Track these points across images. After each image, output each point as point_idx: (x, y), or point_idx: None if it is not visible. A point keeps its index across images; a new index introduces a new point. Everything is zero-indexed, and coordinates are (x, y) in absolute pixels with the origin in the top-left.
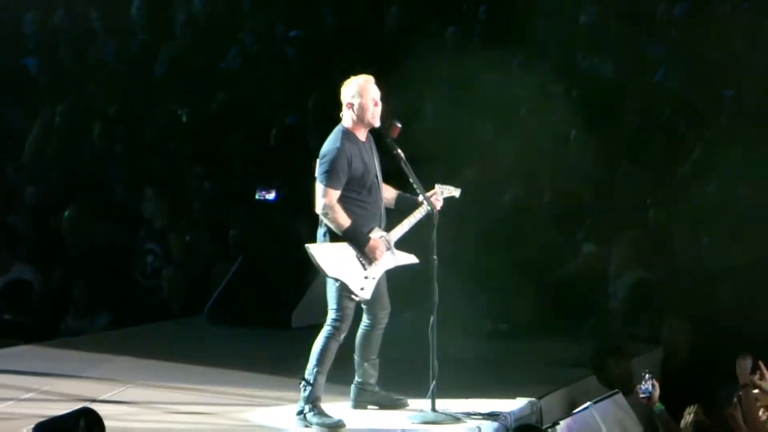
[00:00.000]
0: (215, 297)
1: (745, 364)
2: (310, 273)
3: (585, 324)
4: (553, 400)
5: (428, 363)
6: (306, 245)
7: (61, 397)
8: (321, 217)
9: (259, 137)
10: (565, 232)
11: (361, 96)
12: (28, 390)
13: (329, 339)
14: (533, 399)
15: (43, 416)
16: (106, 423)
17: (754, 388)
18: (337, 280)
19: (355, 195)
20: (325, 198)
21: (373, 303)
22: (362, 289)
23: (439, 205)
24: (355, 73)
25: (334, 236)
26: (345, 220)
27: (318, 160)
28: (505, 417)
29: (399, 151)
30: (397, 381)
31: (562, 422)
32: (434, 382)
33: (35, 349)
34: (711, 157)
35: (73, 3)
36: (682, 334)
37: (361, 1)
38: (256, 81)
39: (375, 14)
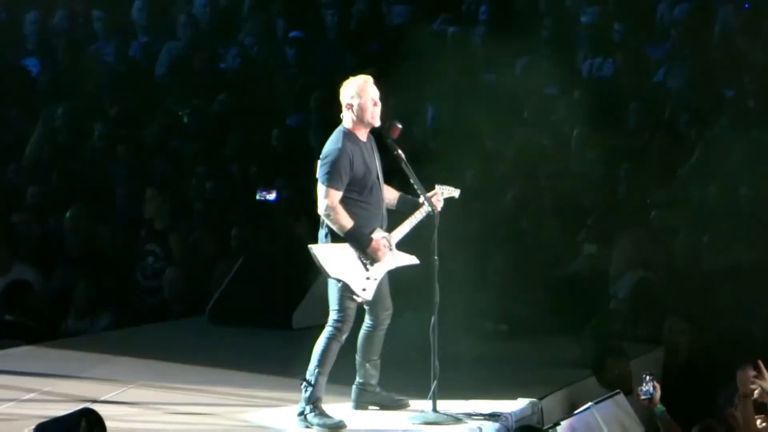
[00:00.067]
0: (216, 297)
1: (744, 374)
2: (311, 273)
3: (586, 324)
4: (554, 401)
5: (429, 363)
6: (309, 246)
7: (62, 397)
8: (323, 218)
9: (260, 138)
10: (566, 232)
11: (360, 96)
12: (29, 391)
13: (331, 340)
14: (534, 399)
15: (44, 417)
16: (107, 423)
17: (755, 395)
18: (339, 280)
19: (356, 196)
20: (327, 199)
21: (375, 304)
22: (364, 289)
23: (439, 205)
24: (355, 74)
25: (335, 237)
26: (347, 221)
27: (319, 161)
28: (506, 417)
29: (400, 151)
30: (399, 381)
31: (563, 423)
32: (435, 382)
33: (36, 349)
34: (712, 157)
35: (74, 4)
36: (683, 335)
37: (362, 1)
38: (257, 81)
39: (375, 14)
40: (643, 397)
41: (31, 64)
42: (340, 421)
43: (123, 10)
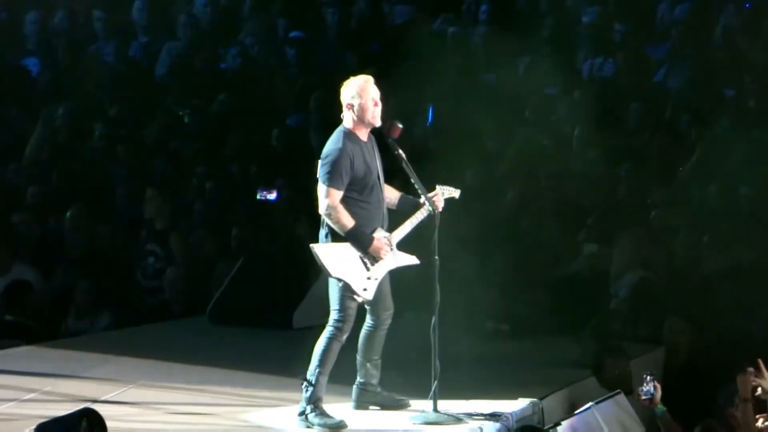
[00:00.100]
0: (217, 297)
1: (744, 379)
2: (312, 273)
3: (586, 324)
4: (554, 401)
5: (430, 363)
6: (311, 245)
7: (62, 397)
8: (324, 217)
9: (261, 138)
10: (566, 232)
11: (360, 97)
12: (29, 391)
13: (331, 340)
14: (535, 399)
15: (44, 417)
16: (108, 423)
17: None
18: (340, 280)
19: (356, 195)
20: (328, 198)
21: (376, 304)
22: (365, 289)
23: (440, 206)
24: (355, 74)
25: (335, 237)
26: (348, 221)
27: (320, 161)
28: (507, 417)
29: (400, 151)
30: (399, 381)
31: (563, 423)
32: (436, 382)
33: (37, 349)
34: (712, 157)
35: (74, 4)
36: (683, 335)
37: (363, 0)
38: (257, 81)
39: (376, 14)
40: (643, 397)
41: (32, 63)
42: (341, 421)
43: (123, 10)
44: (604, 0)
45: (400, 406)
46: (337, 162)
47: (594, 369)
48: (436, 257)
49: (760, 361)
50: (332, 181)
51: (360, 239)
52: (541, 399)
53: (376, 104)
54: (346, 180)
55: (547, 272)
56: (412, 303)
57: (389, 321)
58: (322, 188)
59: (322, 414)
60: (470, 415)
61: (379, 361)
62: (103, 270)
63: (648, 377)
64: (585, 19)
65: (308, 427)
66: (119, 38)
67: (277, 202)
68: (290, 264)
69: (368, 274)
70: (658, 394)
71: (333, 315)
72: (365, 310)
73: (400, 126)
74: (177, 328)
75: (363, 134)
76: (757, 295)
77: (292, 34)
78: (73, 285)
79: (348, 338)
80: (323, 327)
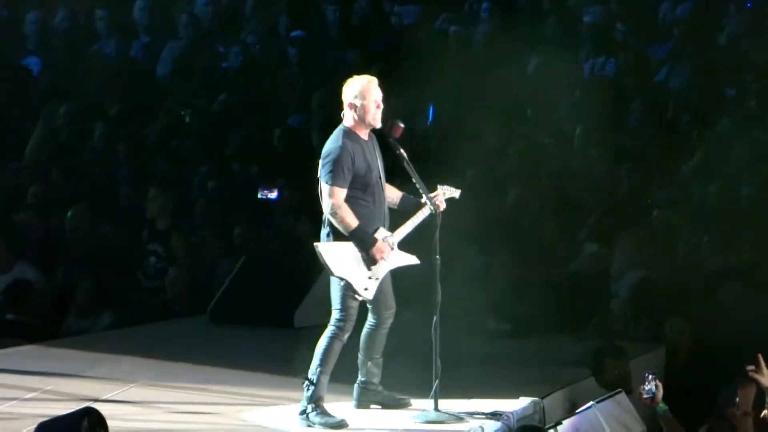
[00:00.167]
0: (218, 296)
1: (746, 392)
2: (313, 272)
3: (588, 323)
4: (555, 400)
5: (431, 363)
6: (315, 244)
7: (64, 396)
8: (327, 217)
9: (263, 137)
10: (567, 231)
11: (363, 98)
12: (31, 390)
13: (333, 339)
14: (536, 398)
15: (46, 416)
16: (110, 423)
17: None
18: (342, 279)
19: (358, 194)
20: (332, 198)
21: (377, 303)
22: (366, 289)
23: (442, 206)
24: (357, 73)
25: (337, 236)
26: (353, 221)
27: (321, 161)
28: (508, 417)
29: (402, 151)
30: (400, 381)
31: (564, 422)
32: (437, 381)
33: (38, 348)
34: (713, 157)
35: (75, 3)
36: (684, 334)
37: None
38: (258, 81)
39: (377, 12)
40: (645, 396)
41: (33, 63)
42: (342, 420)
43: (125, 9)
44: None
45: (401, 405)
46: (339, 160)
47: (593, 370)
48: (438, 257)
49: (759, 356)
50: (335, 179)
51: (363, 239)
52: (542, 398)
53: (378, 106)
54: (348, 178)
55: (548, 272)
56: (414, 302)
57: (391, 320)
58: (325, 188)
59: (324, 413)
60: (471, 414)
61: (381, 360)
62: (105, 269)
63: (649, 376)
64: (587, 18)
65: (309, 426)
66: (121, 37)
67: (279, 201)
68: (292, 263)
69: (369, 273)
70: (660, 393)
71: (334, 314)
72: (367, 309)
73: (402, 125)
74: (178, 327)
75: (363, 133)
76: (758, 294)
77: (294, 33)
78: (74, 284)
79: (349, 337)
80: (325, 326)
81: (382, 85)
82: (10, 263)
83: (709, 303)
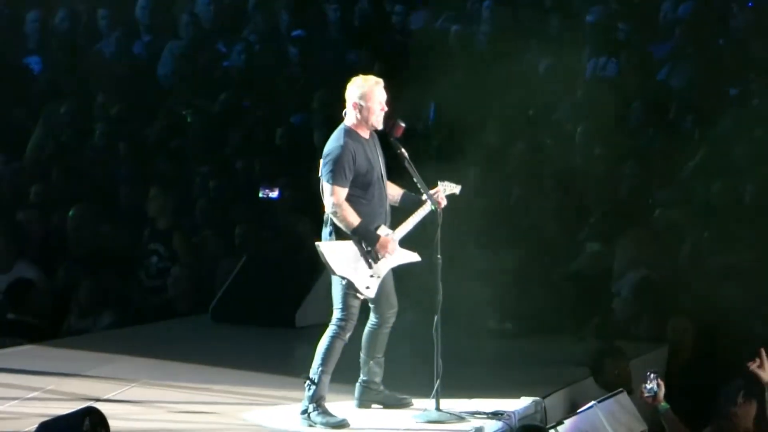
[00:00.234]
0: (219, 296)
1: (748, 410)
2: (315, 271)
3: (589, 323)
4: (557, 400)
5: (432, 362)
6: (317, 243)
7: (65, 396)
8: (329, 215)
9: (263, 136)
10: (569, 230)
11: (368, 99)
12: (32, 389)
13: (334, 338)
14: (537, 398)
15: (47, 415)
16: (111, 422)
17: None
18: (343, 278)
19: (359, 193)
20: (333, 196)
21: (379, 301)
22: (368, 287)
23: (443, 202)
24: (358, 72)
25: (339, 235)
26: (354, 218)
27: (322, 160)
28: (509, 416)
29: (403, 150)
30: (402, 380)
31: (566, 421)
32: (438, 381)
33: (39, 348)
34: (715, 156)
35: (75, 2)
36: (686, 333)
37: None
38: (260, 80)
39: (378, 11)
40: (647, 394)
41: (33, 62)
42: (343, 420)
43: (126, 8)
44: None
45: (402, 405)
46: (339, 159)
47: (593, 370)
48: (439, 256)
49: (762, 350)
50: (336, 178)
51: (366, 236)
52: (543, 398)
53: (382, 109)
54: (349, 176)
55: (551, 271)
56: (415, 302)
57: (393, 319)
58: (326, 187)
59: (325, 413)
60: (472, 414)
61: (383, 360)
62: (106, 269)
63: (651, 375)
64: (589, 18)
65: (311, 425)
66: (122, 37)
67: (280, 200)
68: (293, 262)
69: (371, 271)
70: (662, 392)
71: (336, 314)
72: (369, 308)
73: (403, 125)
74: (179, 326)
75: (365, 132)
76: (760, 293)
77: (295, 32)
78: (75, 284)
79: (350, 337)
80: (326, 325)
81: (384, 84)
82: (10, 263)
83: (710, 302)
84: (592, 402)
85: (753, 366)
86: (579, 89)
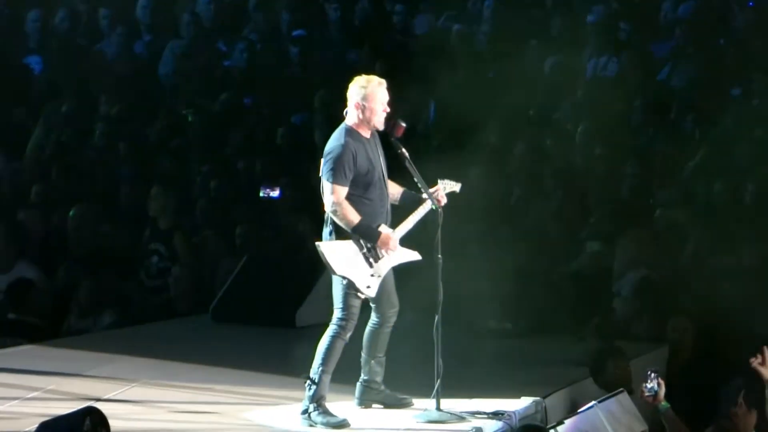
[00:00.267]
0: (220, 296)
1: (746, 420)
2: (315, 271)
3: (589, 322)
4: (557, 399)
5: (433, 362)
6: (317, 243)
7: (65, 396)
8: (329, 215)
9: (265, 136)
10: (569, 230)
11: (371, 100)
12: (32, 389)
13: (335, 338)
14: (538, 398)
15: (47, 415)
16: (111, 422)
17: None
18: (344, 278)
19: (360, 192)
20: (333, 195)
21: (380, 301)
22: (368, 287)
23: (443, 201)
24: (359, 71)
25: (340, 235)
26: (354, 217)
27: (322, 159)
28: (510, 416)
29: (403, 150)
30: (402, 380)
31: (566, 421)
32: (439, 381)
33: (39, 348)
34: (716, 155)
35: (76, 2)
36: (687, 333)
37: None
38: (261, 80)
39: (380, 12)
40: (647, 393)
41: (33, 62)
42: (344, 420)
43: (127, 8)
44: None
45: (403, 404)
46: (340, 158)
47: (594, 371)
48: (440, 255)
49: (765, 348)
50: (336, 177)
51: (367, 234)
52: (544, 398)
53: (384, 110)
54: (349, 176)
55: (551, 271)
56: (415, 301)
57: (394, 318)
58: (326, 186)
59: (325, 412)
60: (473, 414)
61: (384, 359)
62: (107, 269)
63: (652, 374)
64: (590, 17)
65: (311, 425)
66: (123, 36)
67: (281, 200)
68: (293, 262)
69: (371, 271)
70: (662, 391)
71: (336, 313)
72: (370, 307)
73: (404, 125)
74: (180, 326)
75: (366, 132)
76: (760, 293)
77: (296, 32)
78: (76, 283)
79: (351, 336)
80: (326, 325)
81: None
82: (11, 263)
83: (710, 302)
84: (593, 402)
85: (755, 363)
86: (580, 89)
